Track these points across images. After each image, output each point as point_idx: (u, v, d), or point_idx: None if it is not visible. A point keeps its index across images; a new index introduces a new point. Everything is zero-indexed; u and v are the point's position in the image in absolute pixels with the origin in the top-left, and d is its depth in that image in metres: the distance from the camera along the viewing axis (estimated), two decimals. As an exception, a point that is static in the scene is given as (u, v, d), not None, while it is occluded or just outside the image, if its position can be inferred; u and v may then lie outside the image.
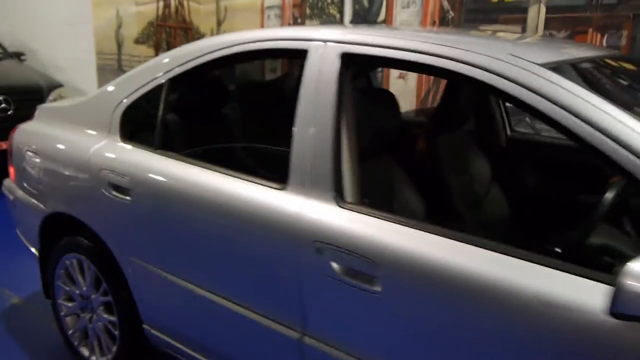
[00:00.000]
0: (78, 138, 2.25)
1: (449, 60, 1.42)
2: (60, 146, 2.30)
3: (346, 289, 1.43)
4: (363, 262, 1.40)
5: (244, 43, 1.83)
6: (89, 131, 2.21)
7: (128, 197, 2.00)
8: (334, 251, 1.45)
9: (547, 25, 3.75)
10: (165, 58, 2.09)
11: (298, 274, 1.54)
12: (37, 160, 2.35)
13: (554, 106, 1.23)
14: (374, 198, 1.57)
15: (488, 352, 1.24)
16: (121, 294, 2.17)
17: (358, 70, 1.96)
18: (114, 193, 2.04)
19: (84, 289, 2.34)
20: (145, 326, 2.10)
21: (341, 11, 4.37)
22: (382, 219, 1.44)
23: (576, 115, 1.21)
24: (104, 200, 2.08)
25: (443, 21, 4.13)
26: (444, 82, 2.80)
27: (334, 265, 1.45)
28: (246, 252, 1.68)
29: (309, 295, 1.53)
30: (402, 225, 1.38)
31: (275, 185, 1.65)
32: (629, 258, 1.07)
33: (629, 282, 1.02)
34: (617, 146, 1.15)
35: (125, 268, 2.08)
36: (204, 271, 1.82)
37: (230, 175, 1.75)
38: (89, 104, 2.36)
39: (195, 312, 1.88)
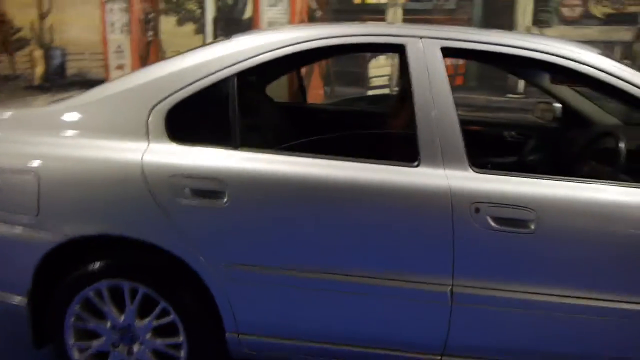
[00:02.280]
0: (102, 146, 1.87)
1: (533, 52, 1.80)
2: (80, 158, 1.88)
3: (501, 236, 1.68)
4: (519, 211, 1.68)
5: (335, 37, 1.87)
6: (112, 138, 1.87)
7: (223, 200, 1.80)
8: (491, 207, 1.68)
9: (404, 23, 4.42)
10: (222, 51, 1.92)
11: (454, 233, 1.71)
12: (33, 179, 1.86)
13: None
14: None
15: None
16: (195, 309, 1.92)
17: None
18: (199, 199, 1.81)
19: (122, 319, 1.97)
20: (231, 335, 1.91)
21: (202, 7, 4.30)
22: (510, 175, 1.74)
23: None
24: (180, 209, 1.81)
25: (311, 20, 4.45)
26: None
27: (490, 218, 1.68)
28: (393, 226, 1.76)
29: (463, 249, 1.71)
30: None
31: (408, 164, 1.76)
32: None
33: None
34: None
35: (209, 278, 1.86)
36: (334, 255, 1.80)
37: (356, 162, 1.79)
38: (97, 107, 1.96)
39: (317, 300, 1.83)
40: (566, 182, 1.80)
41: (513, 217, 1.67)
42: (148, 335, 1.93)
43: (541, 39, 1.96)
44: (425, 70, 1.78)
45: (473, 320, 1.73)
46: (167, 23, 4.91)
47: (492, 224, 1.70)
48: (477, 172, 1.75)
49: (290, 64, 2.20)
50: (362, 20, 4.32)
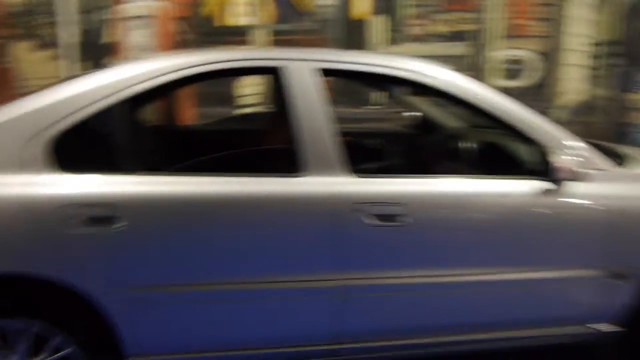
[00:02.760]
0: None
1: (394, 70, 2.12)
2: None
3: (379, 231, 1.94)
4: (392, 207, 1.96)
5: (211, 63, 2.02)
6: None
7: (117, 225, 1.84)
8: (369, 206, 1.95)
9: (268, 45, 4.67)
10: (105, 79, 1.97)
11: (339, 233, 1.94)
12: None
13: None
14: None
15: None
16: (94, 337, 1.92)
17: None
18: (92, 227, 1.83)
19: None
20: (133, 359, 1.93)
21: (57, 32, 4.18)
22: (383, 177, 2.02)
23: None
24: (72, 239, 1.82)
25: (178, 43, 4.51)
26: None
27: (368, 216, 1.94)
28: (284, 233, 1.94)
29: (348, 246, 1.95)
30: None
31: (294, 175, 1.96)
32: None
33: None
34: None
35: (109, 304, 1.88)
36: (231, 266, 1.91)
37: (243, 177, 1.94)
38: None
39: (218, 311, 1.93)
40: (427, 179, 2.11)
41: (388, 213, 1.93)
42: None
43: (400, 59, 2.27)
44: (302, 89, 2.00)
45: (363, 308, 1.96)
46: (19, 49, 4.65)
47: (371, 221, 1.95)
48: (354, 176, 2.00)
49: (169, 89, 2.29)
50: (232, 42, 4.48)
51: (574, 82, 5.29)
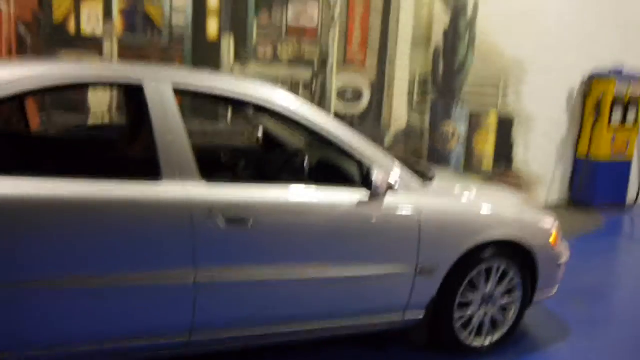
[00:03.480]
0: None
1: (239, 94, 2.46)
2: None
3: (230, 233, 2.24)
4: (241, 211, 2.27)
5: (75, 76, 2.15)
6: None
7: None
8: (221, 210, 2.23)
9: (120, 57, 4.70)
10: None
11: (194, 234, 2.19)
12: None
13: None
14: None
15: None
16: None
17: None
18: None
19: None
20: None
21: None
22: (234, 183, 2.34)
23: None
24: None
25: (21, 47, 4.36)
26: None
27: (220, 219, 2.23)
28: (143, 233, 2.12)
29: (202, 246, 2.20)
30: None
31: (153, 180, 2.17)
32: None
33: None
34: None
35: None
36: (89, 264, 2.04)
37: (103, 182, 2.10)
38: None
39: (77, 307, 2.04)
40: (271, 186, 2.45)
41: (237, 216, 2.23)
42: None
43: (247, 83, 2.59)
44: (160, 104, 2.23)
45: (214, 301, 2.23)
46: None
47: (223, 223, 2.23)
48: (208, 182, 2.26)
49: (23, 98, 2.34)
50: (78, 51, 4.43)
51: (399, 110, 6.12)
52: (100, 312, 2.14)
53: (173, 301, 2.24)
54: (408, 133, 6.21)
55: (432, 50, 6.11)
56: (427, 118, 6.25)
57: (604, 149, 6.95)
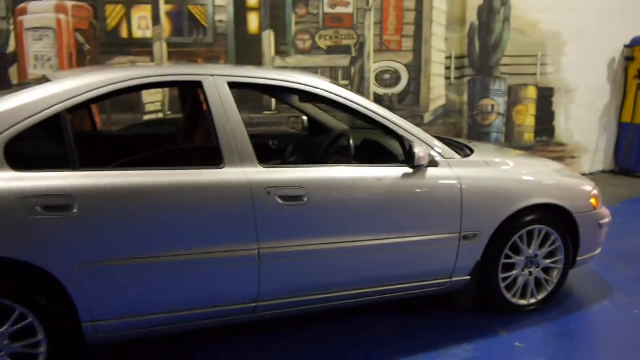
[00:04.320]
0: None
1: (290, 83, 2.70)
2: None
3: (287, 209, 2.49)
4: (295, 190, 2.52)
5: (148, 77, 2.45)
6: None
7: (72, 211, 2.20)
8: (278, 189, 2.49)
9: (170, 58, 5.03)
10: (50, 91, 2.31)
11: (255, 211, 2.46)
12: None
13: None
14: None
15: None
16: (51, 308, 2.25)
17: None
18: (50, 214, 2.17)
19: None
20: (87, 324, 2.30)
21: None
22: (288, 167, 2.58)
23: None
24: (33, 224, 2.15)
25: (80, 53, 4.73)
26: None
27: (278, 197, 2.49)
28: (211, 213, 2.41)
29: (263, 222, 2.47)
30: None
31: (216, 167, 2.45)
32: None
33: None
34: None
35: (65, 278, 2.23)
36: (169, 241, 2.36)
37: (174, 169, 2.39)
38: None
39: (161, 279, 2.36)
40: (321, 168, 2.68)
41: (292, 194, 2.48)
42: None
43: (293, 74, 2.83)
44: (218, 99, 2.50)
45: (277, 270, 2.50)
46: None
47: (280, 201, 2.49)
48: (265, 167, 2.53)
49: (104, 99, 2.65)
50: (131, 53, 4.77)
51: (437, 90, 6.24)
52: (184, 283, 2.44)
53: (241, 271, 2.52)
54: (447, 111, 6.33)
55: (467, 29, 6.19)
56: (465, 95, 6.35)
57: (648, 114, 6.87)
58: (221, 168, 2.47)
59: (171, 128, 3.81)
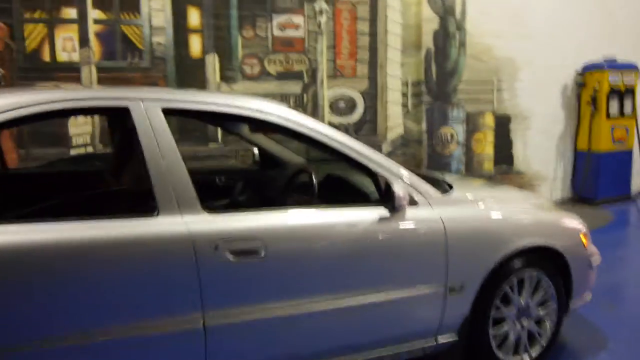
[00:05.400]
0: None
1: (239, 109, 2.21)
2: None
3: (240, 266, 1.98)
4: (250, 242, 2.01)
5: (59, 101, 1.90)
6: None
7: None
8: (227, 243, 1.97)
9: (100, 84, 4.44)
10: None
11: (199, 272, 1.92)
12: None
13: None
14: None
15: None
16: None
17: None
18: None
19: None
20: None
21: None
22: (238, 213, 2.07)
23: None
24: None
25: (-7, 78, 4.09)
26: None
27: (228, 253, 1.97)
28: (141, 276, 1.85)
29: (209, 285, 1.94)
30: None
31: (147, 216, 1.91)
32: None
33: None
34: None
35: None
36: (87, 317, 1.77)
37: (92, 221, 1.83)
38: None
39: None
40: (280, 212, 2.19)
41: (247, 248, 1.96)
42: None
43: (243, 98, 2.35)
44: (150, 129, 1.97)
45: (228, 345, 1.95)
46: None
47: (231, 257, 1.97)
48: (211, 214, 2.00)
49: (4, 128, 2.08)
50: (55, 78, 4.17)
51: (394, 118, 5.90)
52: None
53: (182, 350, 1.96)
54: (405, 140, 6.00)
55: (423, 55, 5.93)
56: (423, 123, 6.04)
57: (604, 140, 6.80)
58: (154, 216, 1.93)
59: (99, 165, 3.21)
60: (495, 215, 2.62)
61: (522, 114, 6.66)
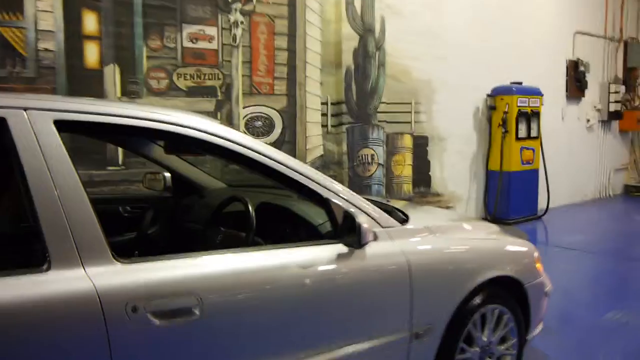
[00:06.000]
0: None
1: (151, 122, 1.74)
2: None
3: (168, 331, 1.49)
4: (180, 299, 1.52)
5: None
6: None
7: None
8: (149, 302, 1.47)
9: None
10: None
11: (110, 343, 1.41)
12: None
13: None
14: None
15: None
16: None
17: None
18: None
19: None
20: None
21: None
22: (161, 260, 1.58)
23: None
24: None
25: None
26: None
27: (151, 315, 1.47)
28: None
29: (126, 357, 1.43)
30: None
31: (34, 271, 1.36)
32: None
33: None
34: None
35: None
36: None
37: None
38: None
39: None
40: (218, 256, 1.71)
41: (176, 306, 1.48)
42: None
43: (163, 110, 1.86)
44: (36, 147, 1.43)
45: None
46: None
47: (155, 320, 1.46)
48: (124, 263, 1.49)
49: None
50: None
51: (314, 139, 5.57)
52: None
53: None
54: (326, 162, 5.68)
55: (343, 74, 5.68)
56: (344, 144, 5.77)
57: (514, 161, 6.95)
58: (43, 272, 1.38)
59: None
60: (459, 246, 2.32)
61: (439, 135, 6.63)
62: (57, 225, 1.42)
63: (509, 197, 6.97)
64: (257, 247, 1.87)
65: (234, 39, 4.98)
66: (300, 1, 5.33)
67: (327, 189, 1.93)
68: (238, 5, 4.95)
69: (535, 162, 7.26)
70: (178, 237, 2.55)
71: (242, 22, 4.98)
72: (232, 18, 4.94)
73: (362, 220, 1.84)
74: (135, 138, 2.71)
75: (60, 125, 1.54)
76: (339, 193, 1.95)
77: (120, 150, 4.34)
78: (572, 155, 8.48)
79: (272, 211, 2.36)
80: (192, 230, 2.50)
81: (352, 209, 1.92)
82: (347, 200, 1.94)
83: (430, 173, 6.62)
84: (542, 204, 7.50)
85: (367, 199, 2.18)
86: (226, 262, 1.69)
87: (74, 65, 4.12)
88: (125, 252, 1.61)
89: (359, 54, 5.76)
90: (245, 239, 2.01)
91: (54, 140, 1.51)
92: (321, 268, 1.82)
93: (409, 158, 6.38)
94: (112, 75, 4.35)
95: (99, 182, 4.16)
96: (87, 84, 4.20)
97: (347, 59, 5.70)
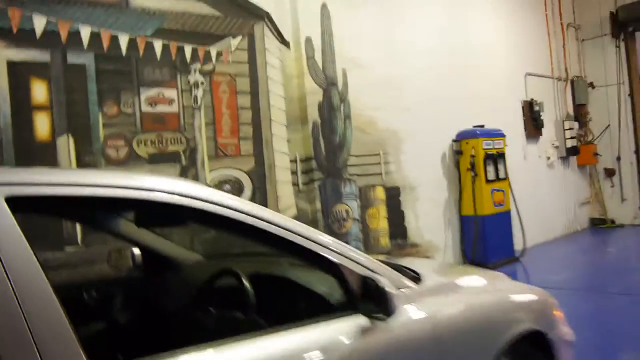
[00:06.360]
0: None
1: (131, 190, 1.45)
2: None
3: None
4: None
5: None
6: None
7: None
8: None
9: None
10: None
11: None
12: None
13: None
14: None
15: None
16: None
17: None
18: None
19: None
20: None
21: None
22: None
23: None
24: None
25: None
26: None
27: None
28: None
29: None
30: None
31: None
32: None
33: None
34: None
35: None
36: None
37: None
38: None
39: None
40: (222, 348, 1.40)
41: None
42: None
43: (139, 176, 1.58)
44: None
45: None
46: None
47: None
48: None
49: None
50: None
51: (285, 199, 5.31)
52: None
53: None
54: (300, 220, 5.38)
55: (310, 129, 5.51)
56: (317, 202, 5.53)
57: (487, 204, 6.88)
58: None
59: None
60: (484, 302, 2.07)
61: (410, 184, 6.50)
62: (13, 330, 1.09)
63: (485, 241, 6.84)
64: (263, 330, 1.56)
65: (195, 100, 4.75)
66: (261, 58, 5.20)
67: (338, 253, 1.66)
68: (197, 66, 4.75)
69: (507, 203, 7.21)
70: (158, 324, 2.19)
71: (202, 83, 4.78)
72: (191, 79, 4.73)
73: (386, 284, 1.56)
74: (100, 212, 2.38)
75: (15, 203, 1.23)
76: (354, 257, 1.68)
77: (78, 226, 3.94)
78: (538, 194, 8.52)
79: (266, 283, 2.06)
80: (174, 314, 2.15)
81: (368, 273, 1.65)
82: (364, 265, 1.67)
83: (405, 224, 6.44)
84: (516, 244, 7.41)
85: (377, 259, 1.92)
86: (232, 357, 1.37)
87: (23, 138, 3.77)
88: (97, 350, 1.28)
89: (324, 108, 5.63)
90: (246, 321, 1.69)
91: (7, 221, 1.19)
92: (347, 349, 1.52)
93: (383, 210, 6.18)
94: (66, 147, 4.01)
95: (59, 265, 3.72)
96: (38, 157, 3.85)
97: (313, 114, 5.55)
